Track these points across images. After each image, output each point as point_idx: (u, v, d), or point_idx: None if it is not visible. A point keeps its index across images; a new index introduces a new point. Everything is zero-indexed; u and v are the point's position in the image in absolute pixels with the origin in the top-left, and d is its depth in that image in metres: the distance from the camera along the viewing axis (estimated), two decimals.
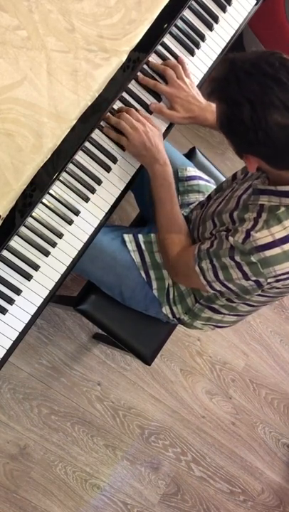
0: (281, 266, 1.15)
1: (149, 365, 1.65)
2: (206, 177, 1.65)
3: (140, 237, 1.48)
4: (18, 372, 1.94)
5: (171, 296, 1.48)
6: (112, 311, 1.56)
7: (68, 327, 2.05)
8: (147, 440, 2.16)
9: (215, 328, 1.54)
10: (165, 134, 1.36)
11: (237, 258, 1.17)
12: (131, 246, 1.47)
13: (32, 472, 1.92)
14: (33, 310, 1.21)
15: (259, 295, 1.28)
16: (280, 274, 1.16)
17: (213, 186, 1.63)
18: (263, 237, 1.13)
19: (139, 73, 1.30)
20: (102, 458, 2.05)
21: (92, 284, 1.54)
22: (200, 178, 1.61)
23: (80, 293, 1.58)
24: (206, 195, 1.56)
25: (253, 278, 1.18)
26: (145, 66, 1.31)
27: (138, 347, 1.61)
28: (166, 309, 1.50)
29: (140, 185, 1.60)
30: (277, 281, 1.18)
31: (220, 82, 1.05)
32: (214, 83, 1.07)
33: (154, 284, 1.47)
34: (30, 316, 1.20)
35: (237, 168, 1.49)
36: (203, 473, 2.27)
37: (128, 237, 1.47)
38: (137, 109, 1.31)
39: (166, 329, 1.65)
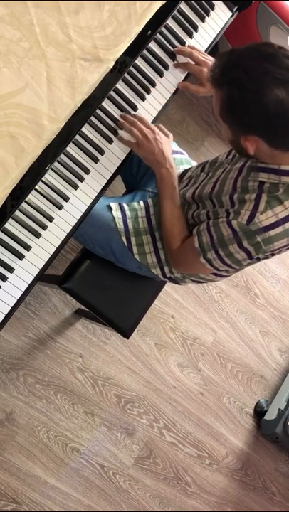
0: (280, 242, 1.22)
1: (128, 338, 1.72)
2: (178, 149, 1.70)
3: (125, 205, 1.54)
4: (6, 344, 1.98)
5: (162, 258, 1.53)
6: (94, 289, 1.62)
7: (53, 303, 2.09)
8: (123, 408, 2.21)
9: (207, 282, 1.58)
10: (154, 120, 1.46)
11: (244, 242, 1.22)
12: (116, 214, 1.53)
13: (17, 436, 1.97)
14: (24, 286, 1.27)
15: None
16: (277, 249, 1.25)
17: (187, 157, 1.69)
18: (268, 217, 1.19)
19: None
20: (81, 424, 2.11)
21: (76, 263, 1.59)
22: (174, 152, 1.64)
23: (64, 272, 1.63)
24: (184, 166, 1.62)
25: (255, 256, 1.25)
26: (132, 69, 1.40)
27: (117, 321, 1.68)
28: (156, 271, 1.55)
29: (128, 164, 1.67)
30: (272, 254, 1.27)
31: (220, 67, 1.11)
32: (215, 69, 1.13)
33: (135, 250, 1.53)
34: (21, 292, 1.26)
35: None
36: (174, 438, 2.34)
37: (114, 206, 1.54)
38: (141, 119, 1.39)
39: (145, 305, 1.71)
